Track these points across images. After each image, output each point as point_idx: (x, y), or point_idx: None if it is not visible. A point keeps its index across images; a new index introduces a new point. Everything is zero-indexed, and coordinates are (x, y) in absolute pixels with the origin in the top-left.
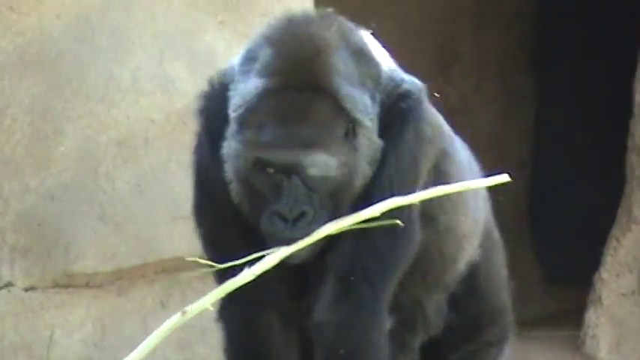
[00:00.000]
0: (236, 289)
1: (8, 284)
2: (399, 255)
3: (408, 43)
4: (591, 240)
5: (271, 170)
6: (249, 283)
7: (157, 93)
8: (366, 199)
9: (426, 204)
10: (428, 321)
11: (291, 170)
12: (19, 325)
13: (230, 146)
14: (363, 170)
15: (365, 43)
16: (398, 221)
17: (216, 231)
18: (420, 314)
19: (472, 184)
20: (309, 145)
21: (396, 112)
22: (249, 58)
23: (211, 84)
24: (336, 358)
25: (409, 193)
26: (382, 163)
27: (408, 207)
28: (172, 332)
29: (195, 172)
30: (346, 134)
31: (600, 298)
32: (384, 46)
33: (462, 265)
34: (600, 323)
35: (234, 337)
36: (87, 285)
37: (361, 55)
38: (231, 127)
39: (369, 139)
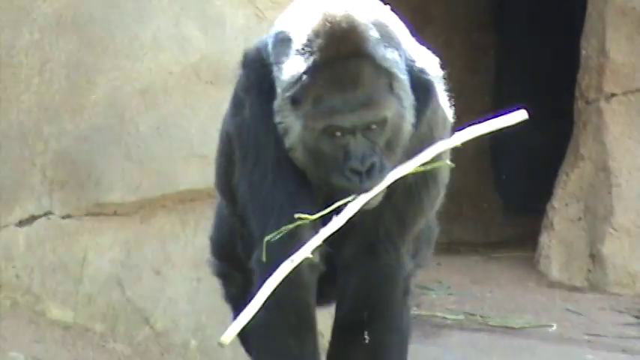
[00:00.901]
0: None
1: (48, 213)
2: (420, 214)
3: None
4: (544, 175)
5: (339, 133)
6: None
7: (174, 49)
8: (414, 151)
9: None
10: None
11: (357, 129)
12: (57, 247)
13: (290, 120)
14: (408, 116)
15: (390, 21)
16: (448, 162)
17: (287, 189)
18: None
19: (494, 124)
20: (366, 104)
21: (420, 82)
22: (284, 40)
23: (252, 58)
24: (363, 301)
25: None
26: (418, 120)
27: (436, 171)
28: None
29: (248, 136)
30: (390, 87)
31: (552, 224)
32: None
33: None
34: (552, 245)
35: (281, 301)
36: (115, 213)
37: (388, 30)
38: (285, 104)
39: (405, 91)
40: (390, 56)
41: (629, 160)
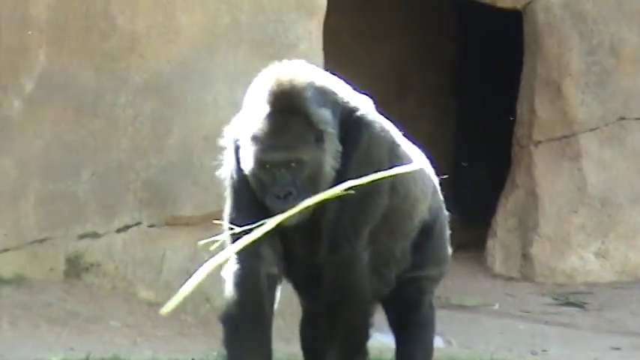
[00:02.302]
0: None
1: (138, 223)
2: (368, 218)
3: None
4: (491, 198)
5: (268, 166)
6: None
7: (229, 108)
8: (338, 183)
9: (391, 179)
10: (396, 260)
11: (280, 165)
12: (144, 247)
13: (245, 156)
14: (330, 162)
15: (326, 80)
16: (350, 191)
17: (241, 209)
18: (392, 256)
19: (393, 172)
20: (287, 147)
21: (352, 122)
22: (251, 97)
23: (228, 130)
24: (334, 286)
25: (368, 175)
26: (347, 157)
27: (377, 184)
28: None
29: (229, 176)
30: (316, 139)
31: (496, 233)
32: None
33: (416, 222)
34: (495, 248)
35: (241, 277)
36: (186, 224)
37: (323, 88)
38: (244, 145)
39: (332, 142)
40: (320, 113)
41: (550, 188)
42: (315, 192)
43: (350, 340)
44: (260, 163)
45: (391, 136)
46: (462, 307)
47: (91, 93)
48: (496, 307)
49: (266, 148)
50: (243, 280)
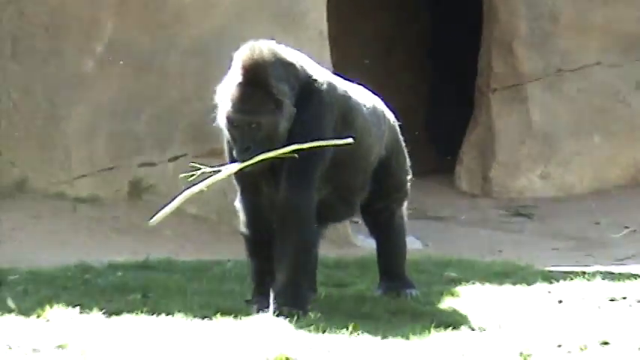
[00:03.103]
0: (244, 185)
1: (185, 154)
2: (313, 168)
3: None
4: (458, 134)
5: (235, 125)
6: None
7: None
8: (289, 142)
9: (348, 129)
10: (359, 190)
11: (244, 125)
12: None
13: (220, 114)
14: (284, 125)
15: (290, 57)
16: (295, 154)
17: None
18: (354, 187)
19: (319, 143)
20: (248, 111)
21: (307, 91)
22: (231, 67)
23: (219, 87)
24: (285, 219)
25: (315, 137)
26: (298, 121)
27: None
28: None
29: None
30: (275, 107)
31: (462, 160)
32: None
33: (372, 159)
34: (462, 172)
35: (245, 207)
36: (220, 154)
37: (286, 64)
38: (222, 106)
39: (288, 109)
40: (279, 87)
41: (503, 125)
42: (271, 148)
43: (296, 255)
44: (229, 121)
45: (344, 104)
46: (436, 218)
47: (148, 54)
48: (463, 218)
49: (235, 110)
50: (251, 209)
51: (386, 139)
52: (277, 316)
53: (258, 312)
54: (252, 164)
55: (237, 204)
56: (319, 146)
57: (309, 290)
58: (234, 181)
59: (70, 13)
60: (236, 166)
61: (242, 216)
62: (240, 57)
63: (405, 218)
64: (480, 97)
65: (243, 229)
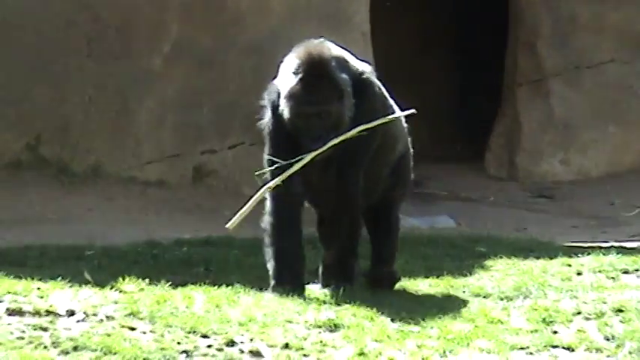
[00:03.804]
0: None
1: (242, 142)
2: (363, 156)
3: None
4: (487, 124)
5: (304, 116)
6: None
7: None
8: (353, 128)
9: (384, 125)
10: (381, 182)
11: (313, 115)
12: (247, 160)
13: (285, 108)
14: (347, 112)
15: (342, 53)
16: (363, 133)
17: (280, 150)
18: (378, 178)
19: (394, 116)
20: (318, 102)
21: (360, 83)
22: (286, 67)
23: (267, 92)
24: (339, 204)
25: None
26: (357, 108)
27: (371, 133)
28: None
29: (268, 127)
30: (338, 97)
31: (491, 148)
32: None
33: (397, 154)
34: (490, 159)
35: (277, 209)
36: None
37: (340, 59)
38: (283, 100)
39: (349, 98)
40: (340, 77)
41: (528, 116)
42: (337, 135)
43: (348, 235)
44: (297, 114)
45: (383, 93)
46: (469, 199)
47: (209, 53)
48: (491, 199)
49: (303, 102)
50: (279, 199)
51: (405, 137)
52: (328, 287)
53: (290, 293)
54: (325, 151)
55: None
56: (382, 123)
57: (356, 268)
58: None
59: (140, 16)
60: (311, 156)
61: (271, 200)
62: (299, 55)
63: (400, 217)
64: (506, 91)
65: (268, 215)
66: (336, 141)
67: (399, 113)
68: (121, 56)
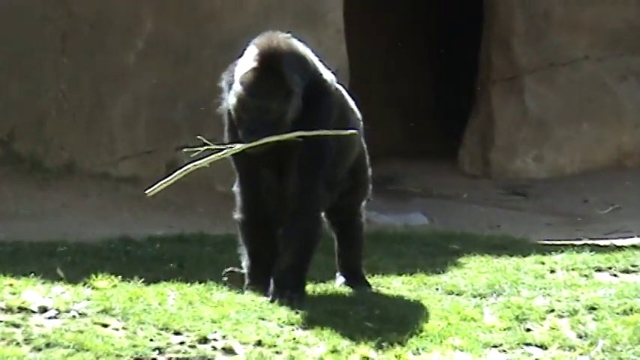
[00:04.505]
0: (244, 170)
1: (215, 139)
2: (323, 161)
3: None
4: (461, 120)
5: (246, 107)
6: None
7: None
8: (294, 131)
9: (344, 125)
10: (338, 183)
11: (254, 108)
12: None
13: (231, 95)
14: (290, 114)
15: (302, 49)
16: (299, 139)
17: (229, 135)
18: (335, 179)
19: (323, 132)
20: (260, 96)
21: (315, 90)
22: (248, 52)
23: (226, 73)
24: (294, 209)
25: (321, 129)
26: (307, 114)
27: (328, 141)
28: None
29: (225, 111)
30: (284, 96)
31: (465, 144)
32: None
33: (353, 156)
34: (465, 155)
35: (243, 192)
36: None
37: (299, 57)
38: (234, 88)
39: (296, 99)
40: (292, 76)
41: (502, 113)
42: (275, 134)
43: (303, 243)
44: (240, 103)
45: (343, 103)
46: (442, 196)
47: (183, 49)
48: (465, 196)
49: (247, 94)
50: (249, 194)
51: (361, 134)
52: (278, 298)
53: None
54: (255, 146)
55: (235, 188)
56: (324, 135)
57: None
58: (234, 166)
59: (114, 12)
60: (240, 147)
61: (239, 201)
62: (257, 44)
63: (364, 217)
64: (480, 88)
65: (239, 214)
66: (269, 140)
67: (338, 132)
68: (96, 52)
